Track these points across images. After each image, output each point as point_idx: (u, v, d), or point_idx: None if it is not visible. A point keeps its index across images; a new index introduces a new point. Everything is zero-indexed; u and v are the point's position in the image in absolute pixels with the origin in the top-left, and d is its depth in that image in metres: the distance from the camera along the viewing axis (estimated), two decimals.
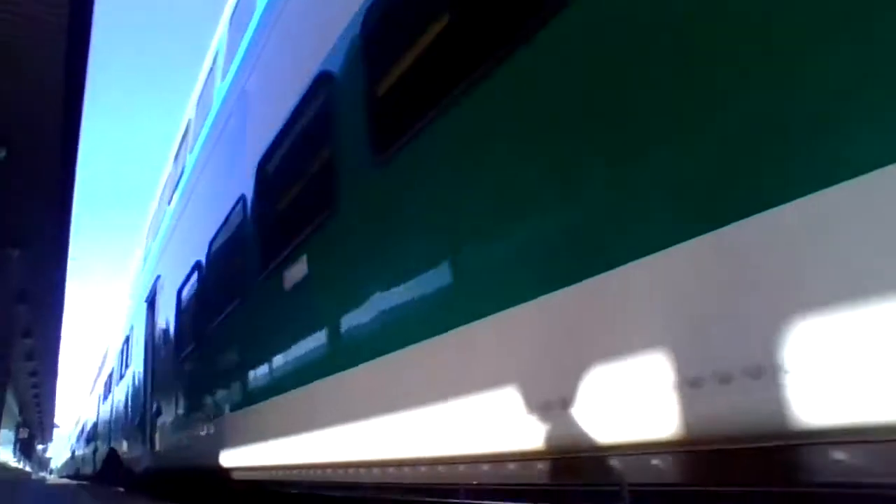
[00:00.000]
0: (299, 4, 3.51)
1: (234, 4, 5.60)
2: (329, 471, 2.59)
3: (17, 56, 6.02)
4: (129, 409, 9.93)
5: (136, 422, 8.77)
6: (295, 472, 3.01)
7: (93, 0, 5.66)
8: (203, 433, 4.69)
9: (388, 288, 2.14)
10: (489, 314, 1.61)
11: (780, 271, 0.96)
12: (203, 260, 5.30)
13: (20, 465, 41.49)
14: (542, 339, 1.43)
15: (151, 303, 8.36)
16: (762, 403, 0.95)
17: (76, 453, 29.60)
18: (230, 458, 3.86)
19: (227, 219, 4.45)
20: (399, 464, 2.09)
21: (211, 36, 6.74)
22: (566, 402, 1.32)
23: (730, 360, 1.01)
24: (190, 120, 7.21)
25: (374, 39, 2.49)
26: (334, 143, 2.72)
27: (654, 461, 1.21)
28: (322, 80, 2.88)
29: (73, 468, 31.46)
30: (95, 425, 18.41)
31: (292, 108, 3.18)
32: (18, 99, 6.59)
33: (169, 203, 7.89)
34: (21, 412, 32.16)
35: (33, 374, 21.23)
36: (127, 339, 10.58)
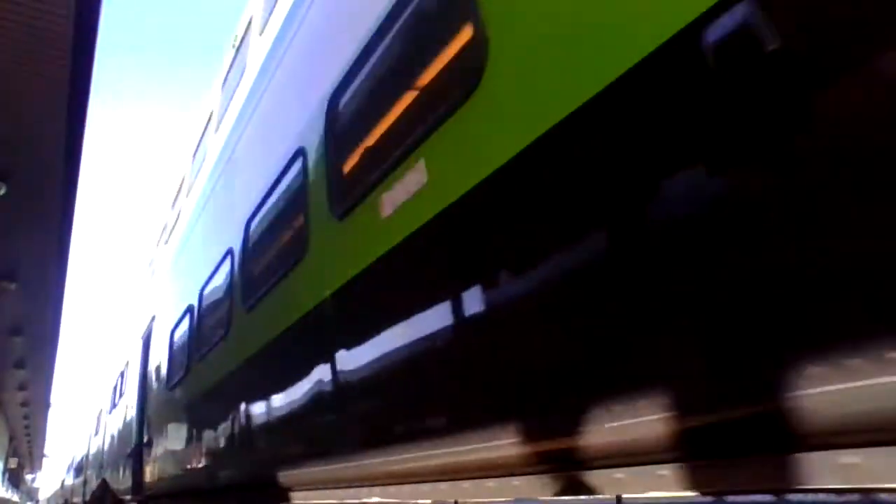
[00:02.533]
0: None
1: None
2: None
3: (19, 93, 6.04)
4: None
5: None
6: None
7: (95, 37, 5.70)
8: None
9: None
10: None
11: None
12: None
13: (8, 495, 40.65)
14: None
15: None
16: None
17: (66, 483, 29.29)
18: None
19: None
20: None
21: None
22: None
23: None
24: None
25: None
26: None
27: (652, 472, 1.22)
28: None
29: (63, 498, 30.93)
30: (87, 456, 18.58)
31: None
32: (19, 135, 6.60)
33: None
34: (11, 441, 31.63)
35: (25, 404, 20.92)
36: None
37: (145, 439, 7.36)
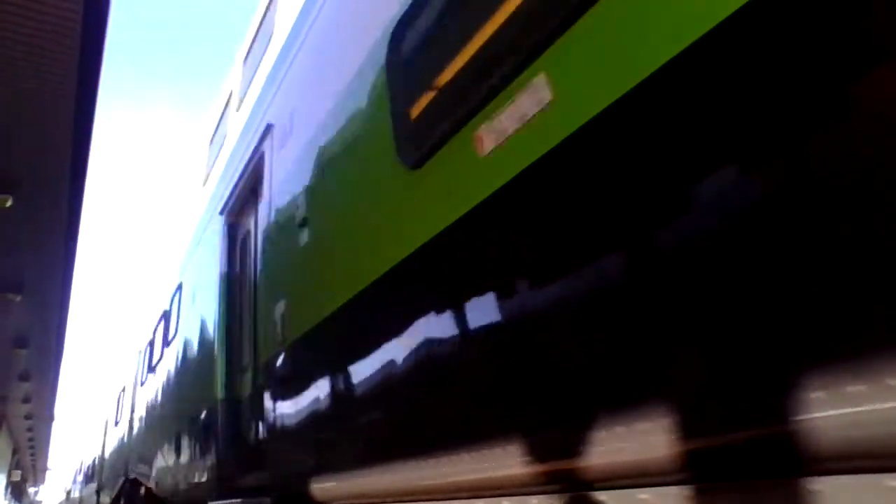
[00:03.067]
0: None
1: None
2: None
3: (26, 105, 6.07)
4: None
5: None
6: None
7: (102, 49, 5.73)
8: None
9: None
10: None
11: None
12: None
13: None
14: None
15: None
16: None
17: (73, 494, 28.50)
18: None
19: None
20: None
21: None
22: None
23: None
24: None
25: None
26: None
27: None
28: None
29: None
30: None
31: None
32: (26, 148, 6.63)
33: None
34: (14, 454, 31.56)
35: (28, 417, 20.89)
36: None
37: (256, 375, 3.60)
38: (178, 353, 6.24)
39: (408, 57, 2.40)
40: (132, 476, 8.40)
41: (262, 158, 4.01)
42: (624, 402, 1.22)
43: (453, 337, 1.84)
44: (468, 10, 2.17)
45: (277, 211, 3.56)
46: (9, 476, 33.87)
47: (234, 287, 4.55)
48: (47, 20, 5.13)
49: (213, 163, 6.06)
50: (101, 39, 5.53)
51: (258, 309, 3.74)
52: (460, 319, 1.82)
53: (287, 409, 2.98)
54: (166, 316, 7.15)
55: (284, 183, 3.51)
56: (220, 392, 4.25)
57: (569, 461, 1.37)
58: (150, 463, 7.16)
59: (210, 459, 4.28)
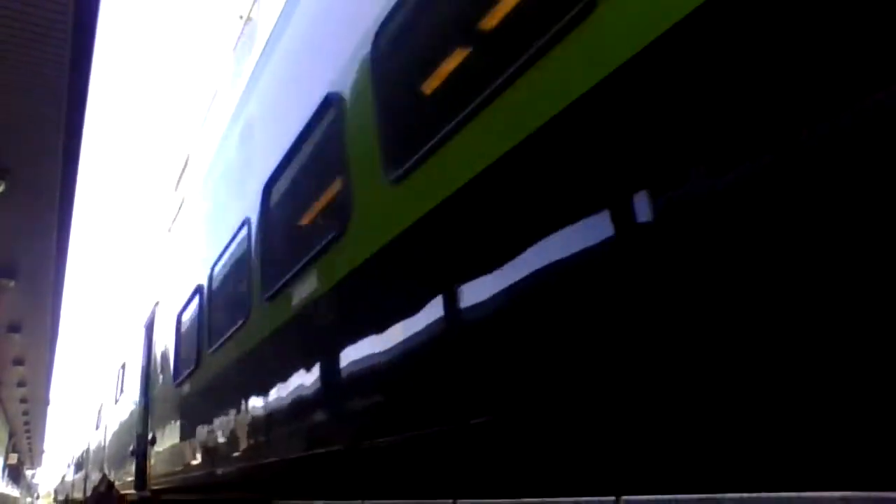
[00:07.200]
0: None
1: None
2: None
3: (19, 91, 5.99)
4: None
5: None
6: None
7: (94, 34, 5.65)
8: None
9: None
10: None
11: None
12: None
13: (7, 491, 40.72)
14: None
15: None
16: None
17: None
18: None
19: None
20: None
21: None
22: None
23: None
24: None
25: None
26: None
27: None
28: None
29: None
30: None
31: None
32: (19, 133, 6.55)
33: None
34: (11, 437, 31.66)
35: (24, 400, 20.92)
36: None
37: None
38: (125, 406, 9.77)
39: None
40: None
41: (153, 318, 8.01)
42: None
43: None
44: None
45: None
46: (6, 459, 33.99)
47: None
48: (40, 4, 5.05)
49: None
50: (94, 22, 5.46)
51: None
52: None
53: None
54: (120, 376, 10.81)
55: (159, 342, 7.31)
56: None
57: None
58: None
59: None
